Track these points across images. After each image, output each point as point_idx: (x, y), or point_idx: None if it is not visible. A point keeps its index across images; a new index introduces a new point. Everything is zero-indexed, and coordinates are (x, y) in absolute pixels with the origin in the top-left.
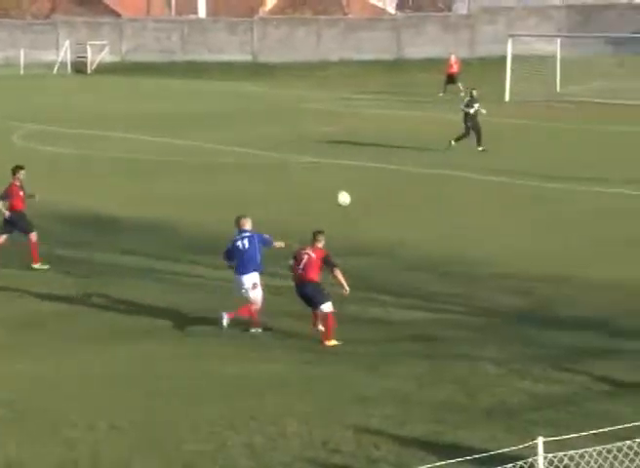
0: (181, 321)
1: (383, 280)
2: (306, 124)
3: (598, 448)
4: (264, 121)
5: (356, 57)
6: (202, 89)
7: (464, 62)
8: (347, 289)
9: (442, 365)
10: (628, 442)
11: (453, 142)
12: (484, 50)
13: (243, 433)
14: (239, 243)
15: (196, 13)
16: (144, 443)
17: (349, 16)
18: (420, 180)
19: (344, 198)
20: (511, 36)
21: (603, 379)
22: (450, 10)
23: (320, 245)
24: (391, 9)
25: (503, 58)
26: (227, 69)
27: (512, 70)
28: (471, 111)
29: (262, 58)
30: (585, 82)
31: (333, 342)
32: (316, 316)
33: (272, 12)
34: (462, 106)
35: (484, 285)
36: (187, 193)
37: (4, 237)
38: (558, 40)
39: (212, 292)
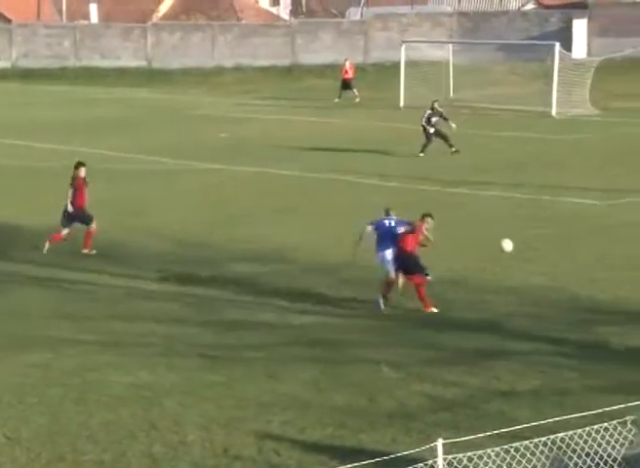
0: (74, 329)
1: (279, 285)
2: (202, 130)
3: (496, 448)
4: (159, 127)
5: (251, 62)
6: (96, 95)
7: (359, 68)
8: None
9: (341, 369)
10: (525, 442)
11: (421, 154)
12: (378, 56)
13: (143, 442)
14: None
15: (88, 18)
16: (42, 454)
17: (243, 22)
18: (315, 185)
19: (508, 246)
20: (404, 42)
21: (499, 380)
22: (343, 16)
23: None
24: (285, 15)
25: (397, 64)
26: (122, 75)
27: (406, 76)
28: (433, 121)
29: (157, 64)
30: (478, 88)
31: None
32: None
33: (166, 17)
34: (424, 121)
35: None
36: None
37: (66, 231)
38: (450, 46)
39: (103, 300)
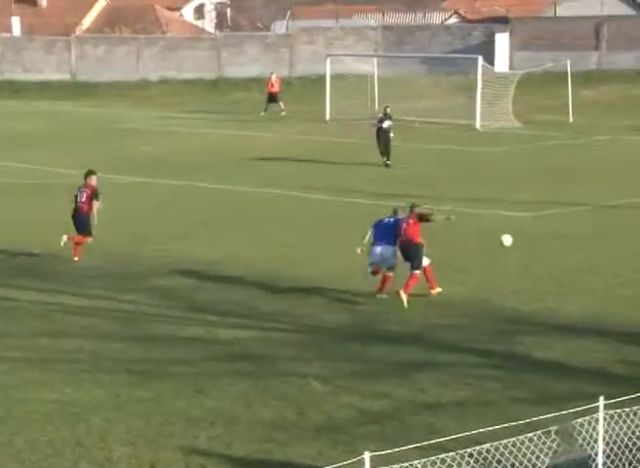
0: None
1: (208, 299)
2: (127, 143)
3: (423, 460)
4: (84, 141)
5: (176, 75)
6: (19, 109)
7: (285, 82)
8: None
9: (269, 383)
10: (451, 453)
11: (388, 162)
12: (304, 69)
13: (69, 459)
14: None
15: (10, 31)
16: None
17: (169, 35)
18: (241, 198)
19: (507, 240)
20: (329, 56)
21: (425, 392)
22: (269, 30)
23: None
24: (210, 28)
25: (323, 78)
26: (45, 89)
27: (332, 89)
28: (384, 126)
29: (81, 78)
30: (403, 101)
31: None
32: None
33: (90, 30)
34: (376, 121)
35: (310, 302)
36: (3, 215)
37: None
38: (375, 60)
39: (29, 316)
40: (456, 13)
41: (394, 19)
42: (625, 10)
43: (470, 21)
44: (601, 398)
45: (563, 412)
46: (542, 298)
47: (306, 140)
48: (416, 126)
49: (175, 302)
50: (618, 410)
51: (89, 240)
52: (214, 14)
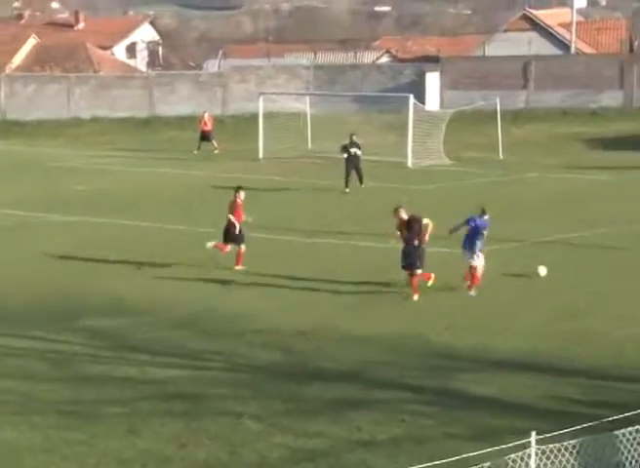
0: None
1: (142, 338)
2: (58, 182)
3: None
4: (14, 179)
5: (108, 114)
6: None
7: (218, 120)
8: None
9: (203, 422)
10: None
11: (347, 189)
12: (237, 107)
13: None
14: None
15: None
16: None
17: (100, 73)
18: (172, 237)
19: (543, 271)
20: (262, 94)
21: (360, 430)
22: (201, 68)
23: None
24: (142, 67)
25: (256, 116)
26: None
27: (265, 128)
28: (354, 152)
29: (12, 116)
30: (335, 139)
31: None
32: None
33: (20, 69)
34: (340, 149)
35: (244, 341)
36: None
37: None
38: (307, 98)
39: None
40: (387, 52)
41: (326, 58)
42: (552, 50)
43: (401, 61)
44: (533, 433)
45: (496, 448)
46: (477, 334)
47: (239, 178)
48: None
49: (108, 342)
50: (550, 445)
51: (243, 248)
52: (146, 52)
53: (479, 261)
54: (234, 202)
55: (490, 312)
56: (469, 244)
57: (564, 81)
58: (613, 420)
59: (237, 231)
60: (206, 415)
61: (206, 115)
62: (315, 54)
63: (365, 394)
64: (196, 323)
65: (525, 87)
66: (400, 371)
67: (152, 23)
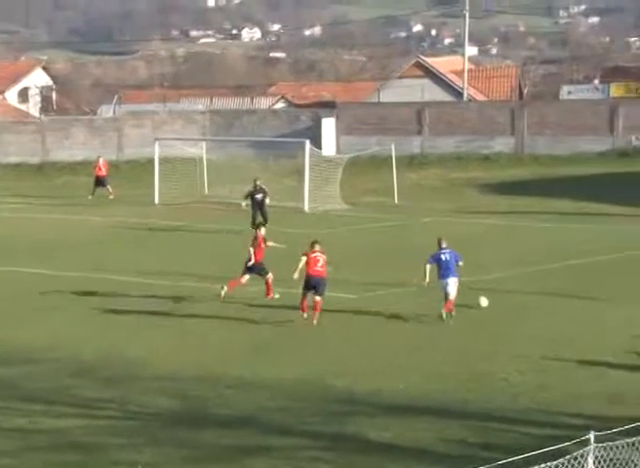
0: None
1: (32, 388)
2: None
3: None
4: None
5: (0, 160)
6: None
7: (113, 165)
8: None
9: None
10: None
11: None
12: (132, 153)
13: None
14: (442, 256)
15: None
16: None
17: None
18: (69, 284)
19: (484, 302)
20: (157, 139)
21: None
22: (96, 113)
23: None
24: (35, 112)
25: (151, 161)
26: None
27: (161, 173)
28: (259, 198)
29: None
30: (232, 184)
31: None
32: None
33: None
34: (243, 199)
35: (139, 387)
36: None
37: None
38: (203, 143)
39: None
40: (283, 98)
41: (222, 103)
42: (445, 96)
43: (297, 106)
44: None
45: None
46: (372, 378)
47: (134, 224)
48: (243, 208)
49: None
50: None
51: (271, 276)
52: (38, 97)
53: (451, 289)
54: (255, 238)
55: (384, 355)
56: (443, 275)
57: (457, 127)
58: (509, 462)
59: (252, 263)
60: (101, 465)
61: (101, 160)
62: (211, 99)
63: (260, 440)
64: (92, 370)
65: (419, 132)
66: (296, 417)
67: (45, 69)
